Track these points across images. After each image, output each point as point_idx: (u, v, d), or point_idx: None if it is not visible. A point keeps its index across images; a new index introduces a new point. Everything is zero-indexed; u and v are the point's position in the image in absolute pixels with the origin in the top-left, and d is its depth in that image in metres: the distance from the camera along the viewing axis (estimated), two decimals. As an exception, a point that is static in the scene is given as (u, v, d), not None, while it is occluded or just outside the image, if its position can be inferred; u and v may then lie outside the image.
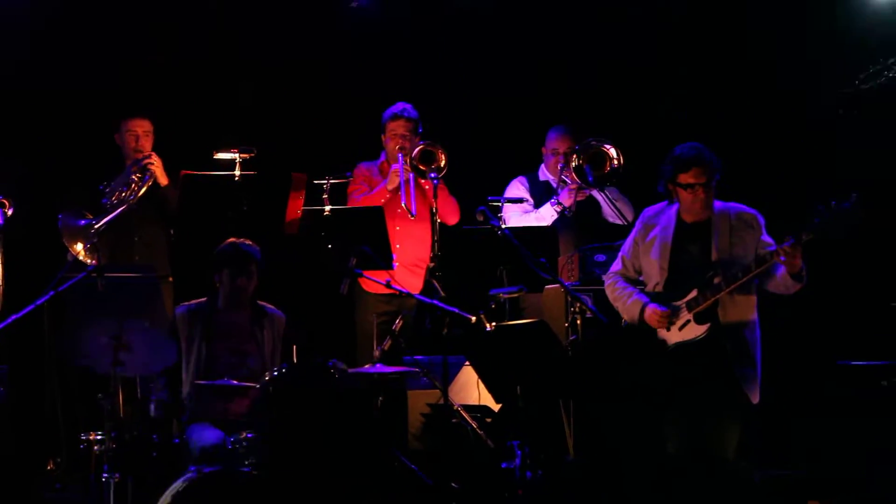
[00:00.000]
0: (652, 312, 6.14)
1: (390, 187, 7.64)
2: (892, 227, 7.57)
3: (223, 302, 6.84)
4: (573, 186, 7.72)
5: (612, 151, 7.70)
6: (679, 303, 6.09)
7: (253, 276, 6.76)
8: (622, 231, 7.06)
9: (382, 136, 7.85)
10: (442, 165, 7.56)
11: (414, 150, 7.61)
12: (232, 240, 6.82)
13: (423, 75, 8.49)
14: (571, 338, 6.97)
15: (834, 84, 7.92)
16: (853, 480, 6.69)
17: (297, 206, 7.17)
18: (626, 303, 6.24)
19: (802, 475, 6.83)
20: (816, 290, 6.26)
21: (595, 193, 7.85)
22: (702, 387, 6.06)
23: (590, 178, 7.65)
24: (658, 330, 6.14)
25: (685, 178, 6.08)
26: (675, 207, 6.23)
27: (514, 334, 6.22)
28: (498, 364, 6.23)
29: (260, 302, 6.91)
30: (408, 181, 7.53)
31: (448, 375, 6.63)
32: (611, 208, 7.73)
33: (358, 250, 6.76)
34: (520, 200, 7.85)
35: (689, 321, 6.09)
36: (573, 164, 7.69)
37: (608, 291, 6.36)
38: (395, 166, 7.60)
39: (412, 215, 7.49)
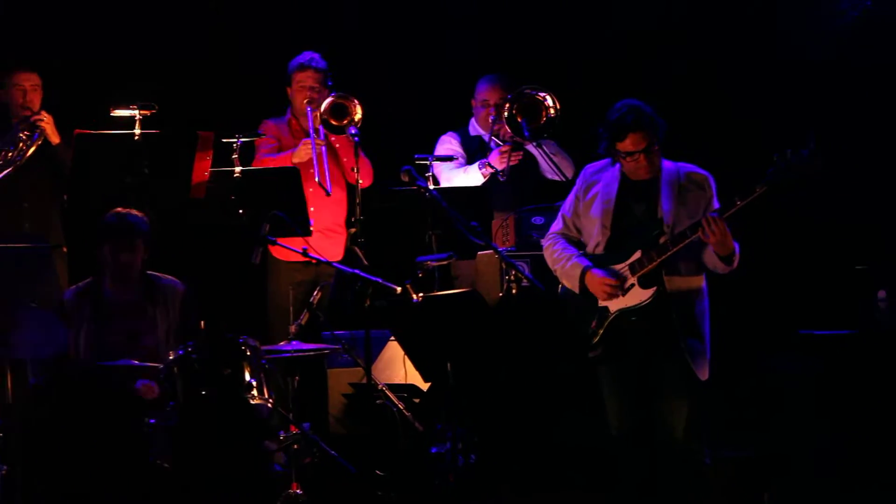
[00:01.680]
0: (598, 282, 5.93)
1: (295, 160, 7.37)
2: (859, 183, 7.57)
3: (109, 279, 6.61)
4: (504, 148, 7.58)
5: (549, 100, 7.48)
6: (621, 266, 5.92)
7: (138, 249, 6.55)
8: (562, 189, 6.83)
9: (288, 90, 7.61)
10: (356, 119, 7.36)
11: (323, 103, 7.41)
12: (117, 210, 6.60)
13: (339, 20, 8.38)
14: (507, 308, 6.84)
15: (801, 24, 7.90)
16: (812, 460, 6.65)
17: (203, 168, 6.84)
18: (566, 266, 6.04)
19: (758, 456, 6.72)
20: (779, 254, 6.32)
21: (531, 148, 7.60)
22: (646, 360, 5.91)
23: (525, 132, 7.41)
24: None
25: (623, 147, 5.90)
26: (619, 165, 6.06)
27: (443, 305, 6.03)
28: (426, 338, 6.07)
29: (152, 273, 6.71)
30: (320, 155, 7.33)
31: (371, 352, 6.49)
32: (548, 164, 7.54)
33: (271, 215, 6.54)
34: (449, 158, 7.62)
35: (632, 285, 5.91)
36: (505, 115, 7.48)
37: (546, 254, 6.18)
38: (306, 140, 7.41)
39: (328, 194, 7.32)
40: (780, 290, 7.70)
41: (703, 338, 5.88)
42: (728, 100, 7.99)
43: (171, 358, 6.10)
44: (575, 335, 6.05)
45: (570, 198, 6.16)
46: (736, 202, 5.67)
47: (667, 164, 5.98)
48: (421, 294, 6.05)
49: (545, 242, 6.21)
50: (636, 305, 5.88)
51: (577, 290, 5.97)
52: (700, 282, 5.92)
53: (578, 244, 6.10)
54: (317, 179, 7.24)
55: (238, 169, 6.94)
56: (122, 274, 6.55)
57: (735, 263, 5.79)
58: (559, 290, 6.12)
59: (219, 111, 7.83)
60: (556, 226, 6.19)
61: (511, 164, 7.54)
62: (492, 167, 7.54)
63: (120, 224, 6.51)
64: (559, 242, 6.12)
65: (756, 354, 7.25)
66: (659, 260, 5.82)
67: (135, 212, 6.57)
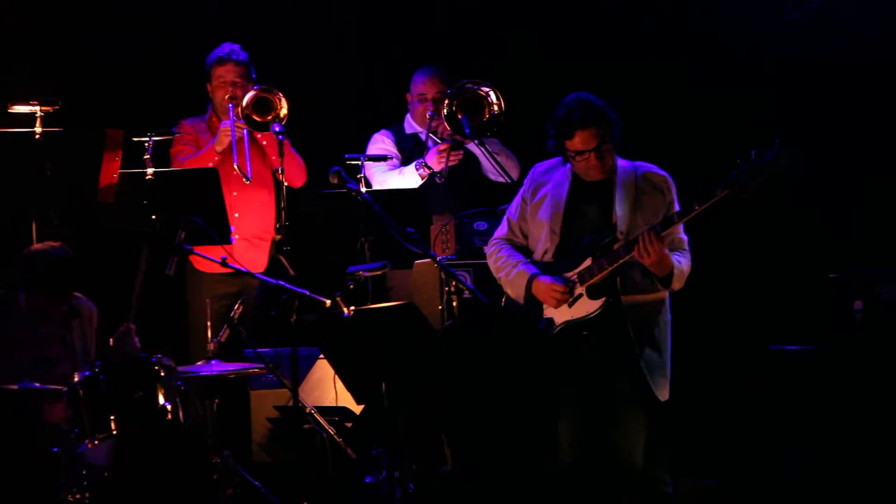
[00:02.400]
0: (548, 288, 5.74)
1: (219, 148, 7.21)
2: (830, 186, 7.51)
3: (29, 313, 6.40)
4: (443, 147, 7.44)
5: (492, 95, 7.33)
6: (571, 274, 5.76)
7: (71, 294, 6.39)
8: (507, 192, 6.74)
9: (208, 86, 7.43)
10: (282, 115, 7.17)
11: (245, 98, 7.23)
12: (42, 249, 6.37)
13: (265, 9, 8.19)
14: (447, 322, 6.74)
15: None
16: (783, 486, 6.61)
17: (112, 169, 6.73)
18: (511, 274, 5.88)
19: (724, 483, 6.76)
20: (746, 264, 6.36)
21: (472, 147, 7.45)
22: (599, 377, 5.74)
23: (466, 130, 7.27)
24: (544, 307, 5.78)
25: (572, 146, 5.72)
26: (570, 164, 5.85)
27: (377, 320, 5.92)
28: (358, 356, 5.92)
29: None
30: (241, 139, 7.14)
31: (298, 371, 6.29)
32: (492, 164, 7.40)
33: (188, 222, 6.40)
34: (383, 158, 7.47)
35: (581, 295, 5.74)
36: (445, 111, 7.31)
37: (490, 261, 6.03)
38: (225, 123, 7.24)
39: (247, 179, 7.15)
40: (749, 302, 7.71)
41: (663, 352, 5.71)
42: (693, 97, 7.96)
43: (76, 380, 5.88)
44: (519, 352, 5.94)
45: (517, 200, 6.01)
46: (694, 207, 5.49)
47: (623, 164, 5.80)
48: (353, 307, 5.93)
49: (489, 249, 6.06)
50: (584, 317, 5.70)
51: (521, 300, 5.81)
52: (661, 291, 5.74)
53: (525, 251, 5.95)
54: (235, 165, 7.08)
55: (150, 170, 6.78)
56: (49, 317, 6.38)
57: (674, 285, 5.64)
58: (503, 301, 5.97)
59: (129, 106, 7.69)
60: (501, 231, 6.04)
61: (450, 164, 7.42)
62: (429, 168, 7.40)
63: (51, 274, 6.27)
64: (504, 249, 5.96)
65: (722, 372, 7.28)
66: (610, 269, 5.64)
67: (56, 246, 6.33)
